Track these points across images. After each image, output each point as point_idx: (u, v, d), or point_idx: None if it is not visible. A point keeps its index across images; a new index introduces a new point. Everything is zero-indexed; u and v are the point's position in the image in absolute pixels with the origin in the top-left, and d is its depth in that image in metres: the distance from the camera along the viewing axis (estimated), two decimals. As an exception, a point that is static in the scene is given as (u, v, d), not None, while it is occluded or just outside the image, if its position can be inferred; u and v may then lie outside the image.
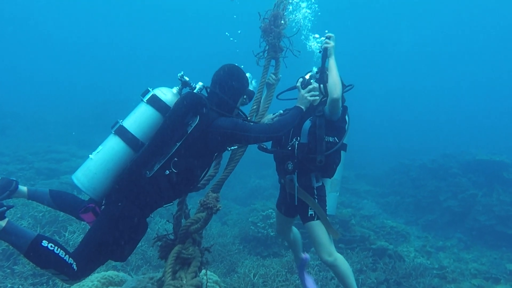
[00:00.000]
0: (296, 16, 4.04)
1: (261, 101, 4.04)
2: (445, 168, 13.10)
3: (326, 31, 3.85)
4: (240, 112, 3.50)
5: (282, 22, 4.02)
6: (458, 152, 14.36)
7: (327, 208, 3.94)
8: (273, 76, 4.11)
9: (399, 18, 44.07)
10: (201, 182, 3.40)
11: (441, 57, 47.07)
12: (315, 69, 3.97)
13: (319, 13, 4.07)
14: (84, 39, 47.29)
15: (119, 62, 44.46)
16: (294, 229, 4.55)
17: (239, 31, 4.26)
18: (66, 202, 3.42)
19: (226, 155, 3.69)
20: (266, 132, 3.34)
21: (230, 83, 3.39)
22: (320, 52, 3.81)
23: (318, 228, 3.77)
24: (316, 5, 4.10)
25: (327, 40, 3.75)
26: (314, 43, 4.01)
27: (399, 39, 46.65)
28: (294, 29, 4.03)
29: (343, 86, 3.75)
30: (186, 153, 3.08)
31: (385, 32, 45.77)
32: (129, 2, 45.91)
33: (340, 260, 3.75)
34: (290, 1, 4.07)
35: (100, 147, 3.05)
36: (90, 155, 3.03)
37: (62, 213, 6.82)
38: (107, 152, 3.03)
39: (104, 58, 44.77)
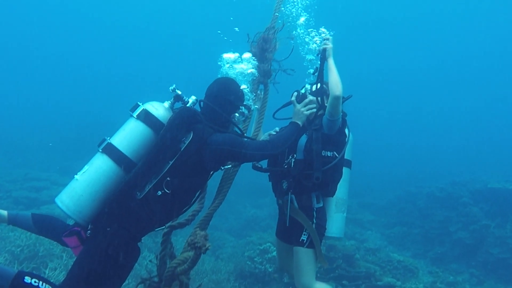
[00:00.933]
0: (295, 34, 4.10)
1: (253, 125, 4.07)
2: (455, 196, 13.07)
3: (322, 30, 3.96)
4: (235, 128, 3.52)
5: (273, 46, 4.09)
6: (468, 179, 14.34)
7: (334, 230, 4.00)
8: (258, 103, 4.16)
9: (407, 35, 44.66)
10: (186, 218, 3.39)
11: (450, 78, 47.54)
12: (308, 86, 4.01)
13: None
14: (65, 56, 47.35)
15: (103, 80, 44.39)
16: None
17: (236, 28, 4.31)
18: (49, 226, 3.36)
19: (213, 188, 3.69)
20: (264, 150, 3.35)
21: (224, 97, 3.40)
22: (318, 54, 3.89)
23: (306, 256, 3.77)
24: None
25: (325, 42, 3.82)
26: (316, 40, 4.03)
27: (407, 57, 47.22)
28: (288, 42, 4.10)
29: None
30: (180, 172, 3.07)
31: (392, 50, 46.30)
32: (111, 14, 46.48)
33: None
34: (284, 24, 4.14)
35: (86, 167, 3.02)
36: (75, 176, 2.99)
37: (42, 248, 6.75)
38: (94, 172, 2.99)
39: (86, 76, 44.73)
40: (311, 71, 4.02)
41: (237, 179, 3.80)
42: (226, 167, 3.56)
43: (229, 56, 3.93)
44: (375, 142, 34.76)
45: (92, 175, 2.98)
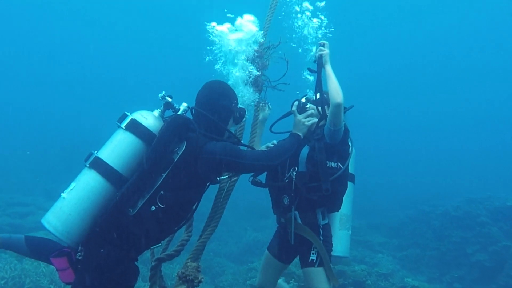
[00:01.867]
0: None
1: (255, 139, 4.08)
2: (472, 215, 12.98)
3: (321, 18, 4.06)
4: (231, 135, 3.51)
5: (263, 63, 4.07)
6: (486, 196, 14.31)
7: (340, 249, 4.01)
8: (260, 114, 4.16)
9: (418, 41, 44.93)
10: (175, 249, 3.35)
11: (466, 81, 47.67)
12: (309, 94, 4.06)
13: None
14: (47, 71, 47.42)
15: (87, 95, 44.46)
16: (282, 284, 4.51)
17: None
18: (43, 248, 3.33)
19: (205, 213, 3.67)
20: (262, 160, 3.34)
21: (217, 102, 3.41)
22: (314, 61, 3.89)
23: (319, 276, 3.75)
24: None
25: (321, 48, 3.84)
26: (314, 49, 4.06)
27: (419, 64, 47.42)
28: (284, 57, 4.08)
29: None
30: (174, 185, 3.04)
31: (402, 56, 46.51)
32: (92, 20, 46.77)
33: None
34: (280, 42, 4.12)
35: (73, 184, 2.97)
36: (62, 194, 2.94)
37: (28, 280, 6.70)
38: (82, 189, 2.94)
39: (69, 91, 44.77)
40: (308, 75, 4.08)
41: (236, 200, 3.79)
42: (223, 177, 3.54)
43: (222, 28, 3.90)
44: (381, 154, 34.84)
45: (80, 192, 2.93)
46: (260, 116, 4.18)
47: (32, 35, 46.91)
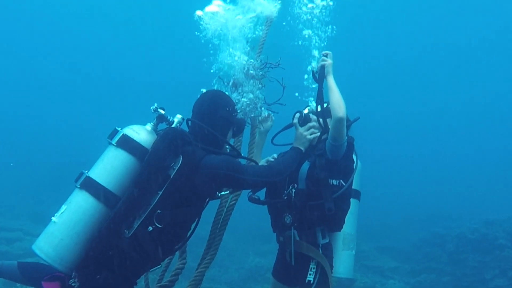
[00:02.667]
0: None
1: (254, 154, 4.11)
2: (490, 238, 12.89)
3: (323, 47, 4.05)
4: (230, 148, 3.52)
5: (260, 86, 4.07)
6: (504, 218, 14.18)
7: (342, 270, 3.99)
8: (262, 125, 4.19)
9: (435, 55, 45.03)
10: (169, 279, 3.36)
11: (479, 90, 47.54)
12: (311, 105, 4.07)
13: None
14: (33, 89, 47.42)
15: (77, 113, 44.33)
16: None
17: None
18: (38, 273, 3.26)
19: (203, 236, 3.62)
20: (264, 176, 3.38)
21: (215, 113, 3.42)
22: (316, 72, 3.89)
23: None
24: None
25: (323, 58, 3.85)
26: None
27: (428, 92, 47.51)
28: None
29: (348, 120, 3.80)
30: (171, 202, 3.03)
31: (415, 57, 46.44)
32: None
33: None
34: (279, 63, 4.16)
35: (64, 207, 2.96)
36: (52, 218, 2.93)
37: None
38: (74, 212, 2.93)
39: (59, 109, 44.71)
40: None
41: (236, 221, 3.77)
42: (223, 193, 3.56)
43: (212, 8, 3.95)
44: (388, 167, 34.67)
45: (72, 215, 2.92)
46: (262, 128, 4.20)
47: (17, 47, 47.13)
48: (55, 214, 2.94)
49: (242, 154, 3.76)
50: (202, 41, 3.94)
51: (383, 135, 43.60)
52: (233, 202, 3.90)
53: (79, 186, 2.99)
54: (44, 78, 47.67)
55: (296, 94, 4.10)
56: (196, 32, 3.92)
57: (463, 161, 41.71)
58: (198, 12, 3.90)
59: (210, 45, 3.96)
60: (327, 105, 3.79)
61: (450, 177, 35.87)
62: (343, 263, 4.00)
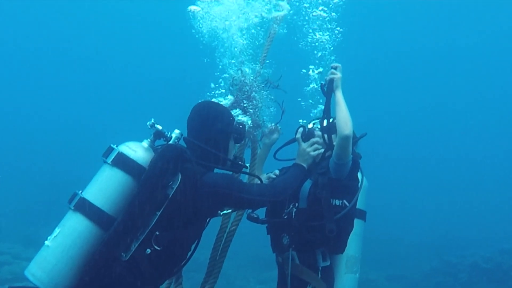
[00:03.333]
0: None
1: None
2: (505, 268, 12.87)
3: (333, 61, 4.07)
4: (234, 161, 3.51)
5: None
6: (521, 246, 14.10)
7: None
8: (268, 137, 4.21)
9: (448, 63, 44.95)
10: None
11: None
12: (316, 121, 4.05)
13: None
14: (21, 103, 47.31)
15: (70, 126, 43.96)
16: None
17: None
18: None
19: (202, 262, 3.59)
20: (266, 195, 3.36)
21: (211, 128, 3.39)
22: (324, 85, 3.87)
23: None
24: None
25: (332, 71, 3.82)
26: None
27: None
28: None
29: (354, 136, 3.78)
30: (170, 223, 3.00)
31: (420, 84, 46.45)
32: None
33: None
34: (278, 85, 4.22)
35: (57, 230, 2.93)
36: (46, 241, 2.90)
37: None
38: (68, 235, 2.90)
39: (50, 124, 44.30)
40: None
41: (237, 247, 3.77)
42: (225, 211, 3.59)
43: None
44: (397, 189, 34.33)
45: (66, 239, 2.89)
46: (268, 140, 4.22)
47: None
48: (48, 238, 2.91)
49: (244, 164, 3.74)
50: (203, 41, 3.97)
51: (391, 150, 43.23)
52: (234, 227, 3.90)
53: (73, 208, 2.96)
54: (37, 84, 47.59)
55: (299, 99, 4.17)
56: (192, 30, 3.97)
57: (478, 185, 41.28)
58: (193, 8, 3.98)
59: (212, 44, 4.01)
60: (333, 121, 3.79)
61: (464, 201, 35.51)
62: (345, 287, 3.97)
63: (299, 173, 3.72)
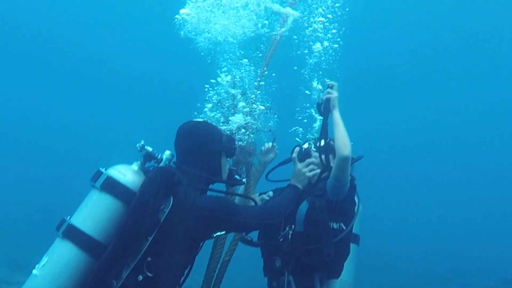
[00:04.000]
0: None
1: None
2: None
3: (327, 80, 4.02)
4: (229, 179, 3.52)
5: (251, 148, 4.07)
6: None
7: None
8: (264, 157, 4.19)
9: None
10: None
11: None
12: (312, 141, 4.08)
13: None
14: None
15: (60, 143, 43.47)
16: None
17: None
18: None
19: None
20: (261, 218, 3.36)
21: (199, 150, 3.34)
22: (320, 104, 3.92)
23: None
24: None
25: (329, 90, 3.87)
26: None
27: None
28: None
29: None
30: (162, 249, 2.97)
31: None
32: None
33: None
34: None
35: (45, 258, 2.89)
36: (33, 270, 2.87)
37: None
38: (56, 264, 2.87)
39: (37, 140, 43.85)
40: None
41: (233, 274, 3.65)
42: (218, 234, 3.47)
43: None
44: (394, 212, 34.19)
45: (54, 267, 2.86)
46: (263, 159, 4.19)
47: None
48: (36, 266, 2.88)
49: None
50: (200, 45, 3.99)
51: (384, 170, 42.93)
52: (228, 258, 3.91)
53: (61, 235, 2.95)
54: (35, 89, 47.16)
55: (298, 109, 4.20)
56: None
57: (480, 213, 41.19)
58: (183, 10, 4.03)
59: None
60: (329, 141, 3.83)
61: (466, 229, 35.38)
62: None
63: (294, 194, 3.70)
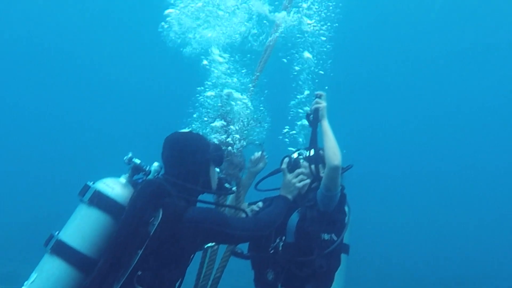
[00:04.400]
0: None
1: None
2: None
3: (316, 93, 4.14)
4: (218, 189, 3.63)
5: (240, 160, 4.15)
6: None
7: None
8: (253, 166, 4.29)
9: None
10: None
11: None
12: (302, 151, 4.19)
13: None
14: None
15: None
16: None
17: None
18: None
19: None
20: (251, 230, 3.43)
21: (187, 162, 3.39)
22: (309, 115, 4.06)
23: None
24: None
25: (317, 100, 4.01)
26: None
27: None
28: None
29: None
30: (153, 262, 3.03)
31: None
32: None
33: None
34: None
35: (34, 275, 2.97)
36: (24, 286, 2.93)
37: None
38: (46, 280, 2.94)
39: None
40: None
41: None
42: (209, 245, 3.76)
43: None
44: (393, 222, 33.95)
45: (44, 284, 2.93)
46: (253, 168, 4.28)
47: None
48: (25, 283, 2.95)
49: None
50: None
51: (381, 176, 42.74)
52: (219, 274, 4.00)
53: (49, 252, 3.01)
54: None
55: (289, 117, 4.25)
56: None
57: (485, 220, 40.71)
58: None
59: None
60: (319, 151, 3.97)
61: (472, 236, 34.93)
62: None
63: (284, 205, 3.78)
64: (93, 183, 3.18)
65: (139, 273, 3.00)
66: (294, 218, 3.87)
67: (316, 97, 4.04)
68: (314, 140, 4.02)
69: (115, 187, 3.17)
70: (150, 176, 3.35)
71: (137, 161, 3.30)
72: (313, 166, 3.93)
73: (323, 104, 3.97)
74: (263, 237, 3.74)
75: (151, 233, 3.02)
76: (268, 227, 3.54)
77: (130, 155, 3.30)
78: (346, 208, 4.06)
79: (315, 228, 3.77)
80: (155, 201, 3.10)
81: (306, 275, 3.77)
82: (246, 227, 3.42)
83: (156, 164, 3.37)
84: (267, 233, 3.58)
